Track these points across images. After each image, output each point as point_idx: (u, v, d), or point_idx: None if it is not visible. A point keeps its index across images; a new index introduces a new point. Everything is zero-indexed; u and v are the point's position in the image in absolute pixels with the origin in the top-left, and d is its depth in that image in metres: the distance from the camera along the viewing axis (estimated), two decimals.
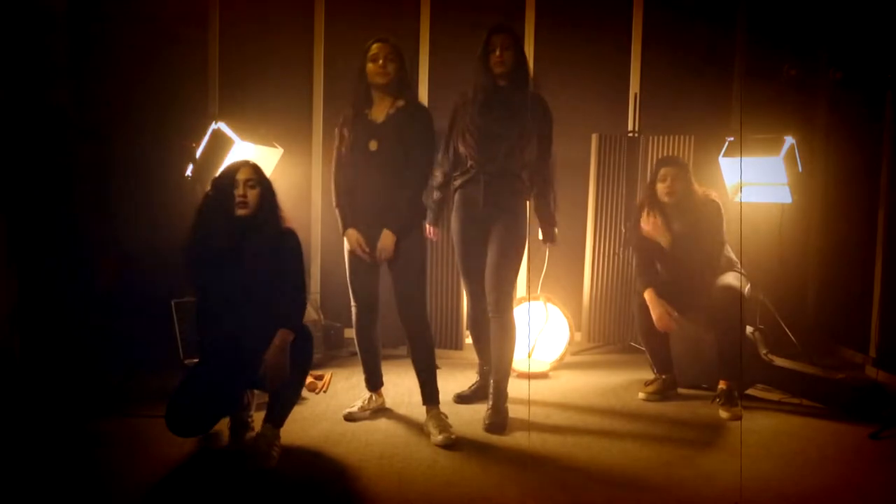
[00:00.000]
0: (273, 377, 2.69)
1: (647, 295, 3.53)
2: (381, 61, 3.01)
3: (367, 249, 3.08)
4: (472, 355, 3.59)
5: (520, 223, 3.24)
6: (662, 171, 3.55)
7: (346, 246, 3.17)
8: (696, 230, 3.52)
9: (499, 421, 3.15)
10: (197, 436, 2.80)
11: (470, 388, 3.56)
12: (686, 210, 3.53)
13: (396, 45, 3.07)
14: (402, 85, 3.09)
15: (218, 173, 2.93)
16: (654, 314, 3.50)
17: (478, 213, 3.21)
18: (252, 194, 2.78)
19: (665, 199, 3.53)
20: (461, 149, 3.20)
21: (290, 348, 2.71)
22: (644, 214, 3.60)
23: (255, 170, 2.84)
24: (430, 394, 3.15)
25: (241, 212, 2.77)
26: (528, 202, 3.31)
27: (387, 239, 3.04)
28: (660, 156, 4.44)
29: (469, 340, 3.56)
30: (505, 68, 3.12)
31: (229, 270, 2.78)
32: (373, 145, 3.03)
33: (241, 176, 2.79)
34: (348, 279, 3.21)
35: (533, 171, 3.23)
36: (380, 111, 3.07)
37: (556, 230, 3.40)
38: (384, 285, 3.22)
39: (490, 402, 3.22)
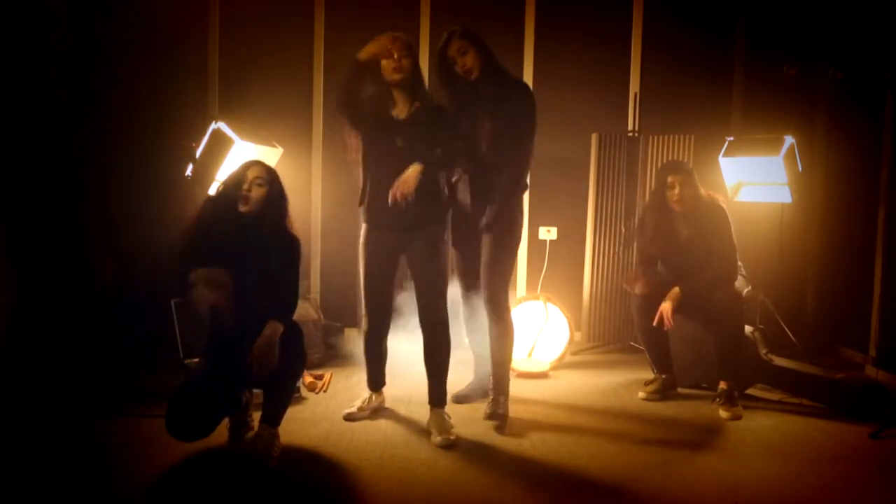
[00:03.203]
0: (260, 367, 2.67)
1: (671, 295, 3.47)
2: (395, 55, 2.97)
3: None
4: (469, 354, 3.58)
5: (510, 218, 3.21)
6: (669, 178, 3.49)
7: (362, 258, 3.14)
8: (704, 234, 3.50)
9: (499, 411, 3.18)
10: (199, 440, 2.80)
11: (467, 386, 3.56)
12: (693, 215, 3.50)
13: (409, 41, 3.04)
14: (417, 82, 3.06)
15: (232, 170, 2.91)
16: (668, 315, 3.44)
17: (467, 212, 3.22)
18: (257, 192, 2.78)
19: (675, 207, 3.51)
20: None
21: (280, 341, 2.69)
22: (651, 221, 3.59)
23: (268, 171, 2.84)
24: (437, 396, 3.14)
25: (242, 207, 2.77)
26: (521, 197, 3.29)
27: (414, 171, 2.91)
28: (660, 155, 4.45)
29: (467, 340, 3.56)
30: (472, 72, 3.13)
31: (227, 264, 2.75)
32: (399, 142, 3.00)
33: (251, 173, 2.79)
34: (363, 291, 3.16)
35: (506, 152, 3.16)
36: (401, 109, 3.05)
37: (492, 216, 3.15)
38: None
39: (491, 396, 3.25)
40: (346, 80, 3.07)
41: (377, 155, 3.05)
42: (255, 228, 2.80)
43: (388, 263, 3.12)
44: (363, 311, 3.21)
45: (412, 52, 3.03)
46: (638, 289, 3.59)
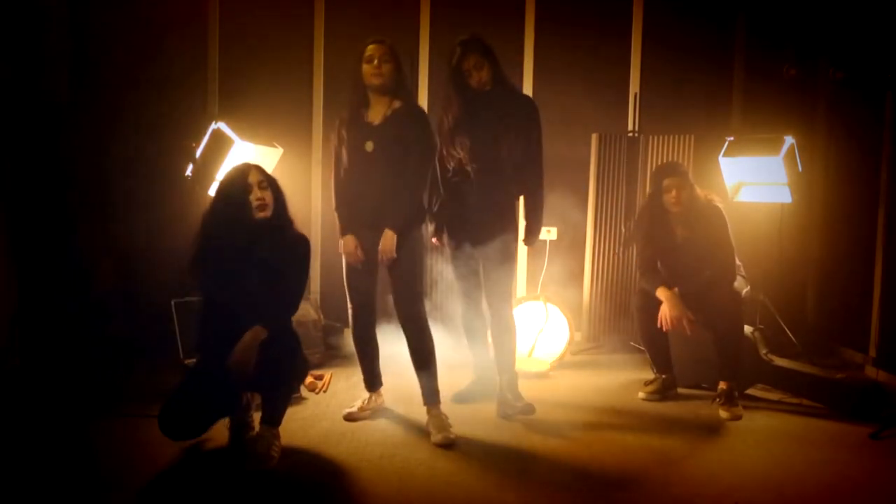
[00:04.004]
0: (235, 372, 2.67)
1: (664, 293, 3.47)
2: (375, 62, 3.00)
3: (363, 257, 3.08)
4: (468, 354, 3.59)
5: (511, 222, 3.32)
6: (666, 181, 3.49)
7: (344, 259, 3.16)
8: (702, 235, 3.49)
9: (514, 402, 3.25)
10: (190, 439, 2.80)
11: (467, 386, 3.56)
12: (690, 216, 3.50)
13: (392, 46, 3.05)
14: (398, 86, 3.07)
15: (226, 180, 2.87)
16: (672, 313, 3.44)
17: (469, 213, 3.26)
18: (267, 195, 2.78)
19: (673, 209, 3.50)
20: (455, 153, 3.25)
21: (262, 347, 2.68)
22: (647, 224, 3.59)
23: (262, 170, 2.84)
24: (429, 394, 3.14)
25: (261, 214, 2.76)
26: (517, 201, 3.39)
27: (388, 239, 3.02)
28: (660, 155, 4.44)
29: (465, 340, 3.58)
30: (485, 83, 3.21)
31: (240, 273, 2.76)
32: (369, 146, 3.02)
33: (252, 178, 2.77)
34: (345, 281, 3.20)
35: (523, 172, 3.29)
36: (376, 113, 3.07)
37: (538, 234, 3.39)
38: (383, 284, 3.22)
39: (500, 396, 3.30)
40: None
41: (348, 159, 3.07)
42: (270, 232, 2.79)
43: (366, 261, 3.11)
44: (348, 304, 3.22)
45: (394, 56, 3.04)
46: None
